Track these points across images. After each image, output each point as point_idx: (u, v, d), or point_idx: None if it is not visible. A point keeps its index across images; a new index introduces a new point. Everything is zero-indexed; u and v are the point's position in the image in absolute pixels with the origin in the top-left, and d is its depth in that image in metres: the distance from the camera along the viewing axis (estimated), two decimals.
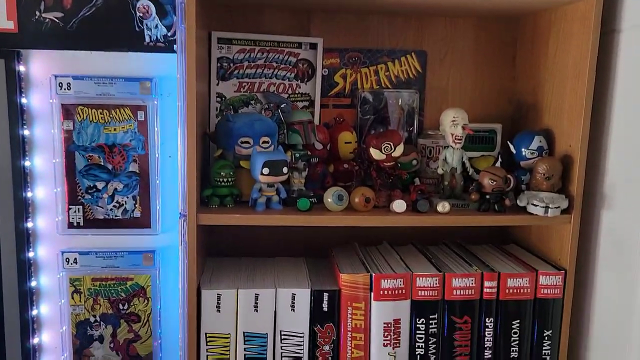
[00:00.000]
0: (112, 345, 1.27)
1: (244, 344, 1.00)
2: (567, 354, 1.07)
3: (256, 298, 0.99)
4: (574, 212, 1.03)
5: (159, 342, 1.27)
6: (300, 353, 1.01)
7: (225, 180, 1.01)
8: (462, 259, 1.11)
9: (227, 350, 1.00)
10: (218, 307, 0.98)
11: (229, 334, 1.00)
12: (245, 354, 1.00)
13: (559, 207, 1.00)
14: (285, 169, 0.98)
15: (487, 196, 1.04)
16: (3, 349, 1.22)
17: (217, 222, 0.97)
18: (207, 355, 0.99)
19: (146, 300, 1.26)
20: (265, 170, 0.96)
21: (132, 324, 1.27)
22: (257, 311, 0.99)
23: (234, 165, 1.03)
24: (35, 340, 1.24)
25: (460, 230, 1.24)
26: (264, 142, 1.04)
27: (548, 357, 1.06)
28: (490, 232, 1.27)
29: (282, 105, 1.08)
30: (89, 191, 1.22)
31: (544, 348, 1.05)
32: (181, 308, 0.96)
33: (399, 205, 1.01)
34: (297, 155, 1.05)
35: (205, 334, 0.99)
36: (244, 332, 1.00)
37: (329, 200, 1.00)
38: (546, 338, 1.05)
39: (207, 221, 0.96)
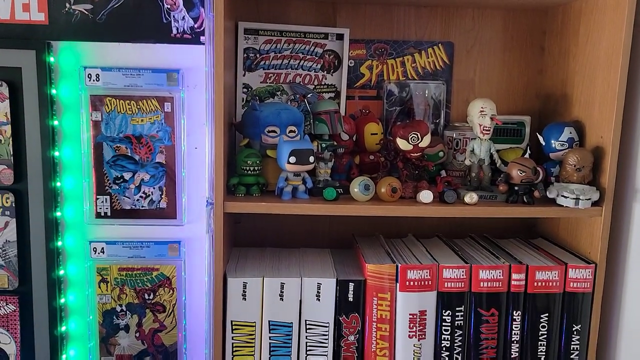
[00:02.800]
0: (137, 334, 1.28)
1: (269, 332, 1.00)
2: (597, 349, 1.04)
3: (282, 287, 0.99)
4: (605, 205, 1.01)
5: (183, 333, 1.28)
6: (325, 343, 1.01)
7: (251, 168, 1.01)
8: (489, 251, 1.10)
9: (253, 339, 1.00)
10: (244, 295, 0.99)
11: (255, 322, 1.00)
12: (270, 343, 1.00)
13: (589, 199, 0.98)
14: (311, 158, 0.98)
15: (516, 187, 1.02)
16: (32, 337, 1.24)
17: (244, 210, 0.97)
18: (233, 344, 1.00)
19: (171, 291, 1.27)
20: (292, 159, 0.96)
21: (158, 314, 1.28)
22: (282, 300, 0.99)
23: (261, 154, 1.03)
24: (63, 329, 1.25)
25: (487, 223, 1.23)
26: (291, 131, 1.04)
27: (577, 352, 1.04)
28: (518, 226, 1.25)
29: (309, 96, 1.08)
30: (117, 182, 1.23)
31: (572, 343, 1.03)
32: (207, 295, 0.97)
33: (426, 195, 1.00)
34: (324, 145, 1.05)
35: (231, 322, 0.99)
36: (269, 321, 1.00)
37: (355, 190, 1.00)
38: (575, 333, 1.03)
39: (233, 209, 0.97)
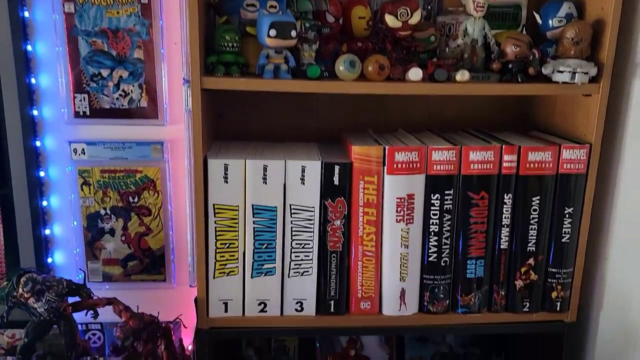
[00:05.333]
0: (123, 238, 1.26)
1: (253, 217, 0.97)
2: (589, 232, 1.02)
3: (265, 169, 0.95)
4: (602, 81, 0.96)
5: (170, 236, 1.26)
6: (311, 228, 0.98)
7: (230, 44, 0.95)
8: (481, 139, 1.06)
9: (236, 223, 0.97)
10: (225, 177, 0.95)
11: (238, 206, 0.97)
12: (254, 227, 0.97)
13: (587, 73, 0.94)
14: (293, 33, 0.92)
15: (510, 65, 0.97)
16: (15, 239, 1.22)
17: (222, 87, 0.92)
18: (216, 227, 0.97)
19: (156, 194, 1.24)
20: (272, 32, 0.91)
21: (143, 217, 1.25)
22: (266, 183, 0.96)
23: (240, 32, 0.97)
24: (47, 232, 1.23)
25: (480, 116, 1.19)
26: (271, 6, 0.97)
27: (568, 235, 1.01)
28: (512, 117, 1.21)
29: None
30: (94, 79, 1.18)
31: (564, 226, 1.01)
32: (187, 177, 0.93)
33: (415, 73, 0.95)
34: (307, 24, 0.99)
35: (214, 205, 0.96)
36: (252, 205, 0.97)
37: (341, 68, 0.95)
38: (567, 216, 1.00)
39: (211, 85, 0.92)
